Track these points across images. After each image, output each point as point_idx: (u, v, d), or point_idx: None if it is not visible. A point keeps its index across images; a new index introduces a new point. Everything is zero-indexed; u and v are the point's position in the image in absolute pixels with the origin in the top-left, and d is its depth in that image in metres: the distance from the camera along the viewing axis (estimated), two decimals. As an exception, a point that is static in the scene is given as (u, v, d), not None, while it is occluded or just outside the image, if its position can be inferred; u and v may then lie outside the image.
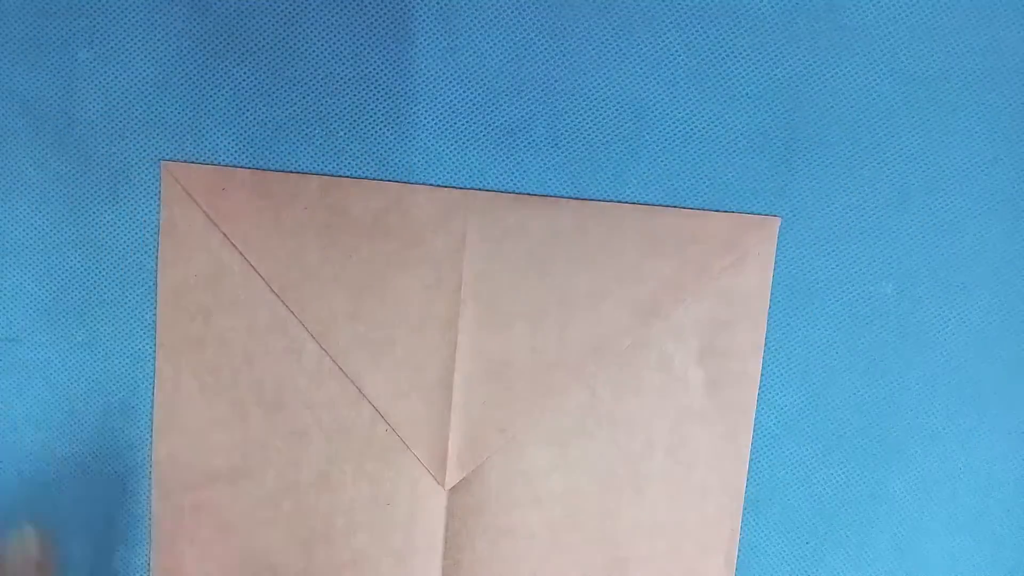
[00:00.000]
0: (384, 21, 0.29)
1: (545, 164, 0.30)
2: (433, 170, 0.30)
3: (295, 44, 0.29)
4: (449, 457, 0.31)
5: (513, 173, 0.30)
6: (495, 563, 0.31)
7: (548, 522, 0.31)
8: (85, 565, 0.30)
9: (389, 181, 0.30)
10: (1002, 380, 0.31)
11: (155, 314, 0.30)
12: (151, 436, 0.30)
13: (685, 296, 0.30)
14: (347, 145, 0.30)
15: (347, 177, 0.30)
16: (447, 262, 0.30)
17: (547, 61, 0.30)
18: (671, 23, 0.30)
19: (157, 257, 0.30)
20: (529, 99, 0.29)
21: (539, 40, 0.29)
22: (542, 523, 0.31)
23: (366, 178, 0.30)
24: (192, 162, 0.30)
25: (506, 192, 0.30)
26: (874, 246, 0.31)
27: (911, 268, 0.31)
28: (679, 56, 0.30)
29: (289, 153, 0.30)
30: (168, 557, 0.30)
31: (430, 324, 0.30)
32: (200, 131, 0.30)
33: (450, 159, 0.30)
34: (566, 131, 0.30)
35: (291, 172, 0.30)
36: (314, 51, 0.29)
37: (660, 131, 0.30)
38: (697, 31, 0.30)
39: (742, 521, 0.31)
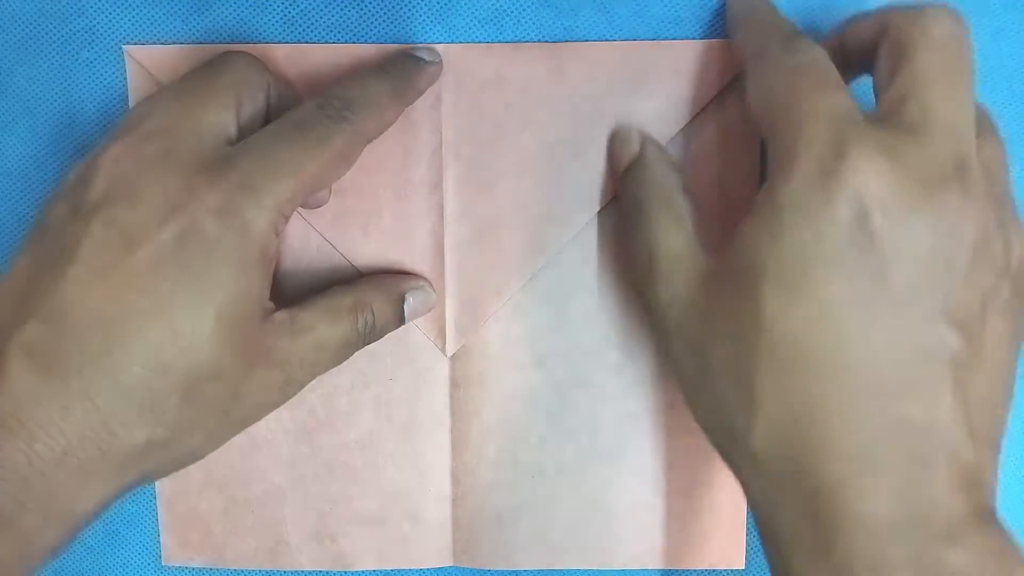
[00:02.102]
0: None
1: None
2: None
3: None
4: (447, 324, 0.30)
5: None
6: (503, 430, 0.31)
7: (553, 383, 0.31)
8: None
9: (357, 44, 0.29)
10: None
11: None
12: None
13: (674, 134, 0.29)
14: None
15: (313, 43, 0.29)
16: (425, 122, 0.29)
17: None
18: (669, 22, 0.30)
19: None
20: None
21: None
22: (547, 385, 0.31)
23: (333, 42, 0.30)
24: (155, 43, 0.29)
25: (479, 43, 0.29)
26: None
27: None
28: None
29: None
30: None
31: (415, 189, 0.30)
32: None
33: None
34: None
35: (256, 43, 0.29)
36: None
37: None
38: (696, 33, 0.30)
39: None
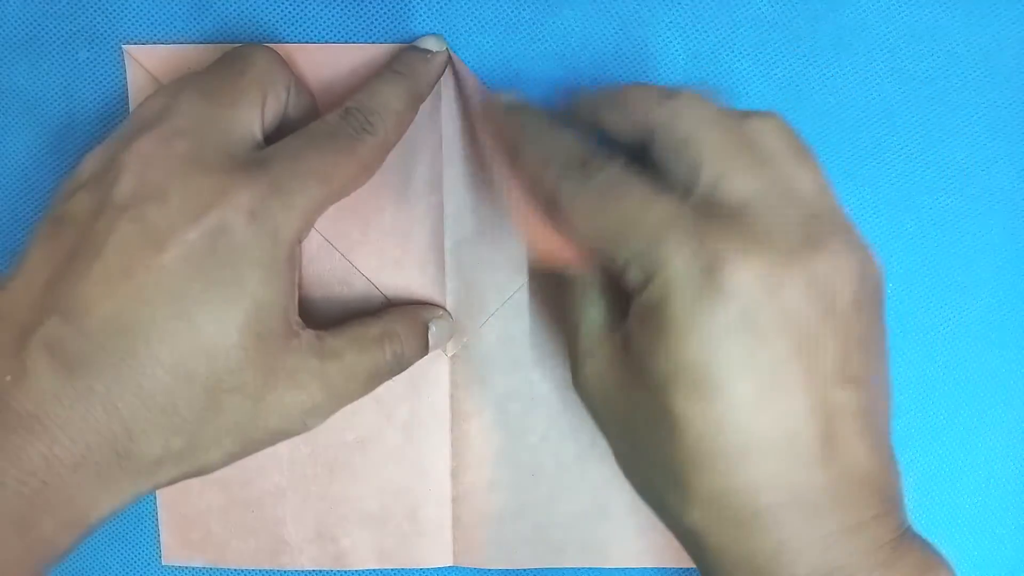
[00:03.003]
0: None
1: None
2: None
3: None
4: None
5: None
6: (503, 429, 0.31)
7: (554, 383, 0.31)
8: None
9: (356, 44, 0.29)
10: (1002, 379, 0.31)
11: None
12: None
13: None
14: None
15: (312, 43, 0.29)
16: (426, 121, 0.29)
17: (539, 45, 0.30)
18: (670, 22, 0.30)
19: None
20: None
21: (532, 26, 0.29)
22: (547, 384, 0.31)
23: (332, 42, 0.29)
24: (155, 43, 0.29)
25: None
26: (874, 246, 0.31)
27: (911, 268, 0.31)
28: (677, 57, 0.30)
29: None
30: None
31: (415, 188, 0.30)
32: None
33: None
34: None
35: (257, 43, 0.29)
36: None
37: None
38: (696, 31, 0.30)
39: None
